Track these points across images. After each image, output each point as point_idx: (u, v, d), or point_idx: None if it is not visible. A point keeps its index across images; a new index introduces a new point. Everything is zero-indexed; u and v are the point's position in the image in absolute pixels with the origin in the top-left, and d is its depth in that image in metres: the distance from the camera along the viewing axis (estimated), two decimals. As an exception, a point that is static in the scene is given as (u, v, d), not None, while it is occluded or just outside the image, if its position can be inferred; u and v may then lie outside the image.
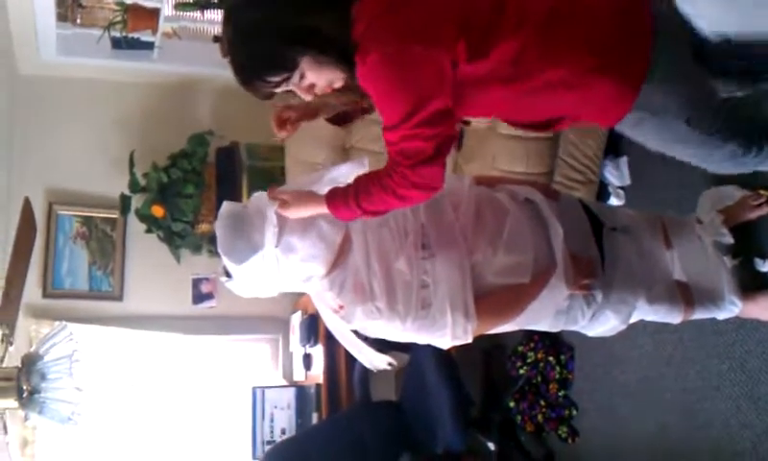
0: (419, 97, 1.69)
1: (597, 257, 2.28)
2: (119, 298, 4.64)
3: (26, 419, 3.04)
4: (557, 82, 1.81)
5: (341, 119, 2.19)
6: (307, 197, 1.99)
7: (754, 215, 2.61)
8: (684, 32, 1.90)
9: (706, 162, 2.11)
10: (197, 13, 4.33)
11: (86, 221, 4.64)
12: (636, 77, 1.80)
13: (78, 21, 4.40)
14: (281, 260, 2.01)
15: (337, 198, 1.91)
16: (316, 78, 1.83)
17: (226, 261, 2.06)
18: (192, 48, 4.58)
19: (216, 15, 4.32)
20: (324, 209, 1.93)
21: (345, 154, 3.90)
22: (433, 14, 1.70)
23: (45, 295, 4.49)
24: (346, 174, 2.07)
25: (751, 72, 2.07)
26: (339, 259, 2.05)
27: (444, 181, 1.85)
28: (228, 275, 2.11)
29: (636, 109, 1.85)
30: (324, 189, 1.98)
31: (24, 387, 2.83)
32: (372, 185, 1.84)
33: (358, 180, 1.90)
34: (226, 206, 2.09)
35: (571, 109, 1.96)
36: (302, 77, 1.82)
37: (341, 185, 1.96)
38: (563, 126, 2.04)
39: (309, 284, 2.13)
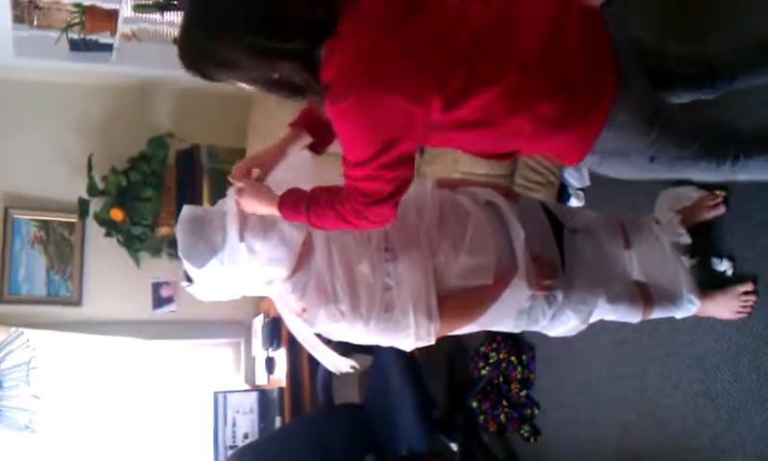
0: (386, 141, 1.67)
1: (558, 258, 2.31)
2: (78, 303, 4.58)
3: (-18, 427, 2.99)
4: (519, 131, 1.82)
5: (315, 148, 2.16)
6: (264, 195, 1.97)
7: (710, 215, 2.65)
8: (642, 64, 1.89)
9: (681, 177, 2.14)
10: (156, 15, 4.28)
11: (44, 225, 4.57)
12: (594, 128, 1.81)
13: (35, 23, 4.32)
14: (243, 260, 1.99)
15: (290, 204, 1.91)
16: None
17: (186, 265, 2.04)
18: (151, 50, 4.52)
19: (175, 17, 4.29)
20: (275, 212, 1.93)
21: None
22: (409, 70, 1.65)
23: (1, 301, 4.41)
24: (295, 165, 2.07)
25: (712, 77, 2.09)
26: (301, 262, 2.05)
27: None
28: (189, 279, 2.09)
29: (595, 152, 1.87)
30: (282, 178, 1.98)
31: (-21, 395, 2.78)
32: (327, 206, 1.84)
33: (315, 193, 1.89)
34: (186, 209, 2.07)
35: (531, 150, 2.01)
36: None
37: (296, 189, 1.95)
38: (521, 156, 2.06)
39: (271, 287, 2.12)
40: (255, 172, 2.03)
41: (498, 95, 1.74)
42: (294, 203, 1.90)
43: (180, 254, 2.02)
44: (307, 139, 2.08)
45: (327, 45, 1.66)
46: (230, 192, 2.06)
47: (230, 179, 2.03)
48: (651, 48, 1.98)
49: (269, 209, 1.96)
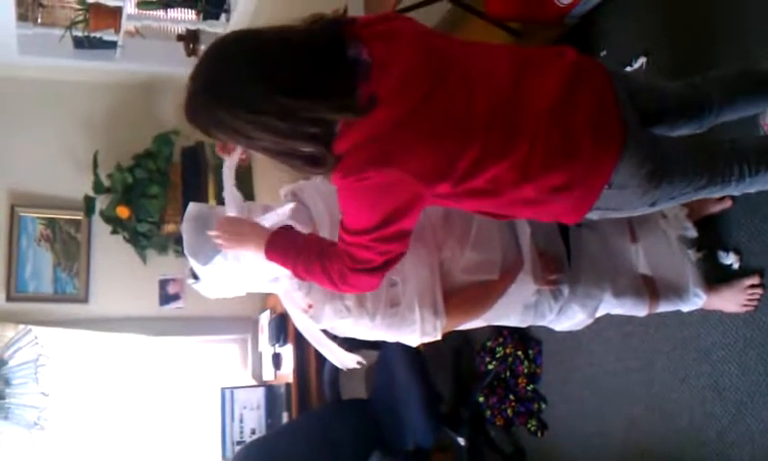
0: (387, 216, 1.67)
1: (563, 253, 2.31)
2: (84, 300, 4.59)
3: (-9, 425, 3.00)
4: (521, 199, 1.80)
5: None
6: (247, 232, 1.94)
7: (717, 209, 2.64)
8: (636, 110, 1.88)
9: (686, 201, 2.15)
10: (160, 12, 4.30)
11: (50, 223, 4.58)
12: (597, 187, 1.79)
13: (39, 21, 4.34)
14: (249, 258, 2.00)
15: (277, 248, 1.88)
16: None
17: (192, 263, 2.05)
18: (155, 47, 4.54)
19: (179, 14, 4.29)
20: (261, 253, 1.90)
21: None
22: (423, 153, 1.64)
23: (9, 298, 4.43)
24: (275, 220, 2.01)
25: (700, 113, 2.10)
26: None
27: None
28: (195, 276, 2.10)
29: (596, 208, 1.86)
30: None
31: (-12, 393, 2.79)
32: (317, 261, 1.81)
33: (307, 245, 1.86)
34: (192, 207, 2.08)
35: (529, 216, 2.00)
36: None
37: (286, 229, 1.93)
38: (514, 218, 2.06)
39: (277, 284, 2.12)
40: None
41: (509, 168, 1.72)
42: (284, 248, 1.87)
43: (185, 251, 2.02)
44: None
45: (345, 121, 1.61)
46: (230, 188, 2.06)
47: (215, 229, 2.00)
48: (642, 89, 1.98)
49: (254, 250, 1.92)
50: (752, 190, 2.07)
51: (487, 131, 1.69)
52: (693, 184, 1.92)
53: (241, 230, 1.94)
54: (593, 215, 1.91)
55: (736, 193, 2.08)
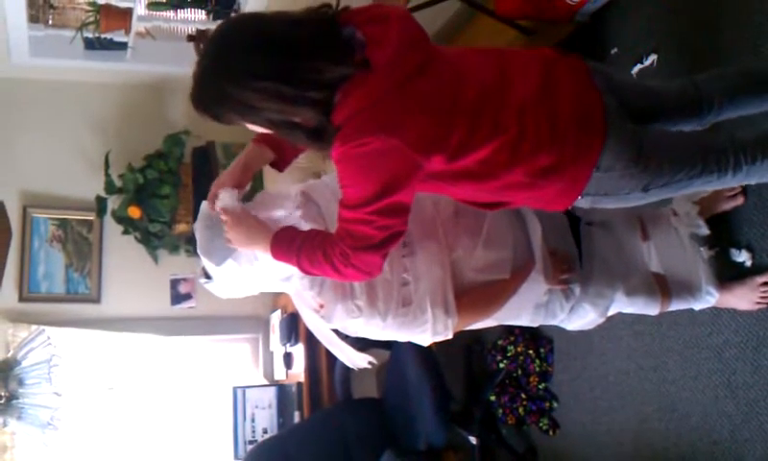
0: (385, 186, 1.69)
1: (575, 252, 2.31)
2: (97, 300, 4.61)
3: (4, 425, 3.01)
4: (515, 183, 1.84)
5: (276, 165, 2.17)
6: (256, 231, 1.95)
7: (729, 206, 2.63)
8: (625, 108, 1.91)
9: (685, 193, 2.14)
10: (170, 13, 4.30)
11: (62, 223, 4.60)
12: (585, 173, 1.84)
13: (50, 22, 4.35)
14: (261, 258, 2.00)
15: (282, 244, 1.90)
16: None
17: (205, 262, 2.05)
18: (166, 48, 4.54)
19: (190, 14, 4.30)
20: (267, 250, 1.92)
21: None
22: (417, 121, 1.70)
23: (21, 299, 4.44)
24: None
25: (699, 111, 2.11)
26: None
27: None
28: (207, 276, 2.10)
29: (586, 194, 1.89)
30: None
31: (2, 393, 2.80)
32: (319, 248, 1.83)
33: (309, 237, 1.88)
34: (204, 206, 2.08)
35: (522, 201, 2.01)
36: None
37: (292, 227, 1.94)
38: (509, 207, 2.06)
39: (289, 283, 2.12)
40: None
41: (499, 148, 1.77)
42: (287, 243, 1.89)
43: (198, 251, 2.03)
44: (270, 156, 2.08)
45: (342, 89, 1.68)
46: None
47: (210, 206, 2.03)
48: (630, 87, 2.01)
49: (261, 247, 1.94)
50: (752, 181, 2.07)
51: (475, 114, 1.76)
52: (686, 172, 1.93)
53: (251, 231, 1.95)
54: (584, 202, 1.93)
55: (734, 184, 2.08)
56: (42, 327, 4.29)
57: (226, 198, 1.98)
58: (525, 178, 1.83)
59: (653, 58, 2.97)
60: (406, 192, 1.74)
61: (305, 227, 1.99)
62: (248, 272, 2.03)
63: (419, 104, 1.70)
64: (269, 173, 4.01)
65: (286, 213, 2.02)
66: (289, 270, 2.04)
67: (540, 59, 1.90)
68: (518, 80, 1.82)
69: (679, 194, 2.07)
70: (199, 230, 2.04)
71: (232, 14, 4.29)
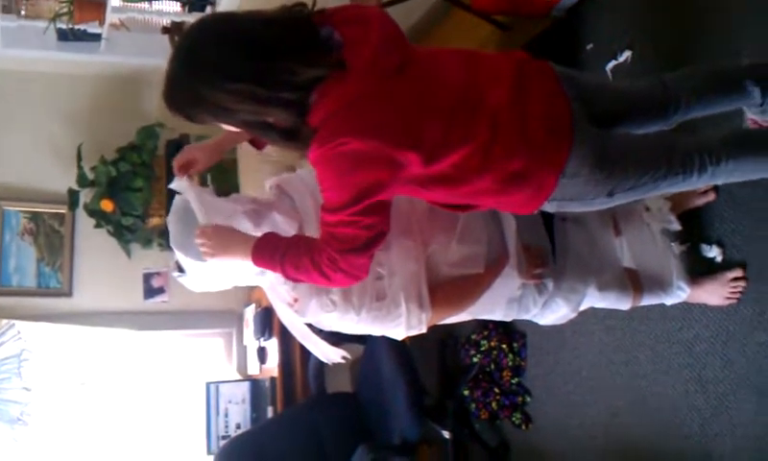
0: (365, 187, 1.69)
1: (548, 247, 2.33)
2: (68, 294, 4.56)
3: (-27, 420, 2.98)
4: (485, 189, 1.86)
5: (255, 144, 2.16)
6: (232, 240, 1.95)
7: (700, 202, 2.66)
8: (588, 111, 1.93)
9: (652, 196, 2.16)
10: (145, 4, 4.26)
11: (34, 217, 4.54)
12: (551, 179, 1.84)
13: (23, 13, 4.29)
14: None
15: (264, 252, 1.88)
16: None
17: (178, 256, 2.04)
18: (140, 39, 4.50)
19: (165, 6, 4.26)
20: (248, 258, 1.90)
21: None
22: (393, 121, 1.70)
23: (-8, 293, 4.40)
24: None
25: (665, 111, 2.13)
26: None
27: None
28: (180, 269, 2.09)
29: (552, 199, 1.90)
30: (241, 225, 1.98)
31: (-29, 388, 2.77)
32: (305, 254, 1.82)
33: (294, 241, 1.88)
34: (178, 200, 2.07)
35: (490, 205, 2.02)
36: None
37: (273, 234, 1.93)
38: (478, 210, 2.07)
39: (263, 277, 2.12)
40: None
41: (472, 152, 1.78)
42: (270, 251, 1.88)
43: (172, 244, 2.02)
44: (246, 134, 2.07)
45: (318, 90, 1.67)
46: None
47: (175, 185, 2.04)
48: (595, 91, 2.01)
49: (241, 257, 1.93)
50: (718, 182, 2.10)
51: (450, 116, 1.76)
52: (650, 175, 1.95)
53: (227, 241, 1.95)
54: (551, 207, 1.95)
55: (700, 186, 2.10)
56: (13, 322, 4.25)
57: (182, 185, 2.00)
58: (495, 184, 1.83)
59: (627, 54, 2.99)
60: (385, 192, 1.74)
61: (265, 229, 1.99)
62: (222, 265, 2.02)
63: (395, 103, 1.71)
64: (244, 165, 4.00)
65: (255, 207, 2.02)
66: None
67: (512, 63, 1.90)
68: (491, 84, 1.83)
69: (644, 197, 2.09)
70: (172, 223, 2.03)
71: (207, 9, 4.27)
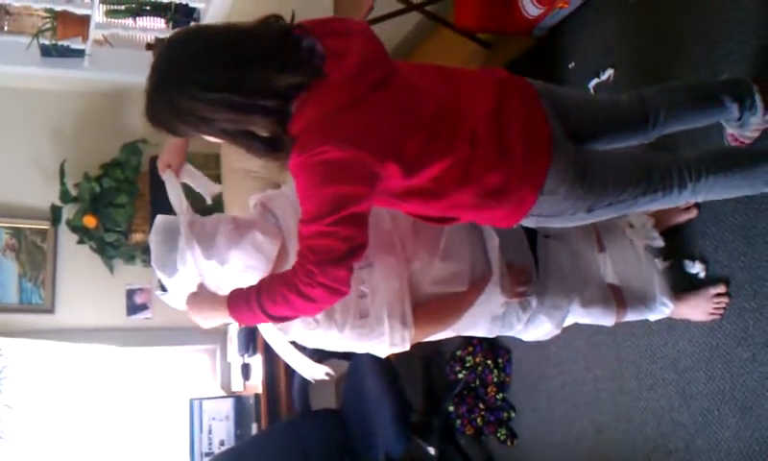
0: (343, 196, 1.67)
1: (532, 264, 2.33)
2: (51, 310, 4.52)
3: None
4: (462, 204, 1.87)
5: None
6: (209, 305, 1.95)
7: (682, 219, 2.67)
8: (566, 127, 1.94)
9: (632, 212, 2.17)
10: (129, 21, 4.26)
11: (16, 232, 4.51)
12: (530, 196, 1.86)
13: (5, 28, 4.29)
14: (216, 271, 1.98)
15: (240, 303, 1.85)
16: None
17: (159, 275, 2.03)
18: (124, 55, 4.50)
19: (148, 23, 4.26)
20: (227, 316, 1.88)
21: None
22: (373, 131, 1.70)
23: (-27, 309, 4.36)
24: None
25: (644, 126, 2.14)
26: (275, 270, 2.04)
27: None
28: (163, 288, 2.08)
29: (531, 215, 1.92)
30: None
31: (-49, 406, 2.74)
32: (277, 284, 1.78)
33: (262, 283, 1.84)
34: (159, 219, 2.06)
35: (467, 220, 2.03)
36: None
37: (240, 287, 1.89)
38: (458, 223, 2.08)
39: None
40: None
41: (451, 166, 1.78)
42: (243, 301, 1.84)
43: (153, 263, 2.01)
44: None
45: (299, 99, 1.68)
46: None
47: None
48: (573, 108, 2.03)
49: (219, 318, 1.93)
50: (698, 199, 2.12)
51: (433, 130, 1.77)
52: (629, 192, 1.96)
53: (202, 308, 1.96)
54: (530, 222, 1.96)
55: (681, 202, 2.12)
56: (-6, 338, 4.21)
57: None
58: (474, 198, 1.84)
59: (610, 72, 3.01)
60: (363, 204, 1.72)
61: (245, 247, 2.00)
62: (204, 283, 2.01)
63: (376, 115, 1.71)
64: (228, 182, 3.99)
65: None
66: (247, 281, 2.02)
67: (493, 81, 1.91)
68: (472, 101, 1.84)
69: (624, 213, 2.10)
70: (153, 242, 2.02)
71: (191, 23, 4.27)
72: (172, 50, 1.70)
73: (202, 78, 1.63)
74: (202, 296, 1.98)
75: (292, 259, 2.03)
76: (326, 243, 1.70)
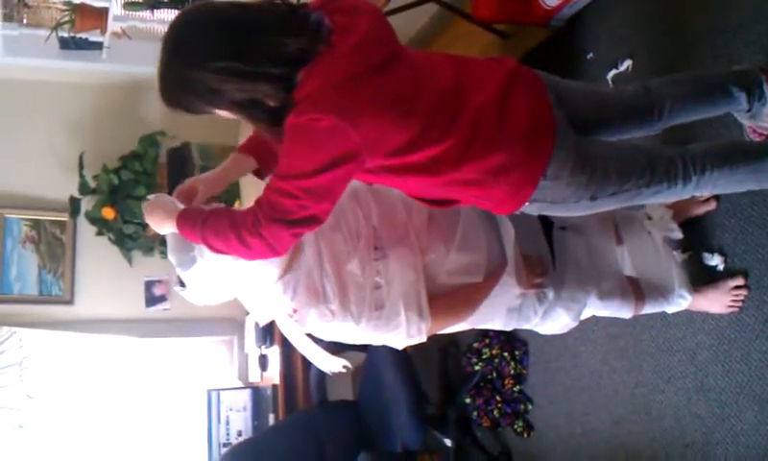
0: (323, 165, 1.69)
1: (548, 256, 2.32)
2: (70, 302, 4.56)
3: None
4: (461, 180, 1.87)
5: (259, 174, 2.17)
6: (165, 213, 1.96)
7: (701, 211, 2.66)
8: (571, 118, 1.94)
9: (635, 204, 2.16)
10: (146, 13, 4.26)
11: (35, 224, 4.54)
12: (532, 180, 1.87)
13: (24, 21, 4.30)
14: (232, 265, 1.99)
15: (188, 221, 1.88)
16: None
17: (177, 269, 2.04)
18: (142, 48, 4.50)
19: (166, 15, 4.27)
20: (174, 227, 1.91)
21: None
22: (368, 115, 1.71)
23: (-6, 300, 4.39)
24: None
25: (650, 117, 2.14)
26: (291, 263, 2.04)
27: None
28: (181, 284, 2.09)
29: (534, 201, 1.92)
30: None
31: (-28, 396, 2.76)
32: (225, 219, 1.80)
33: (214, 212, 1.87)
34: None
35: (469, 200, 2.02)
36: None
37: (198, 207, 1.94)
38: (458, 206, 2.08)
39: (263, 289, 2.11)
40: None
41: (449, 147, 1.80)
42: (192, 219, 1.87)
43: (169, 257, 2.02)
44: (252, 164, 2.09)
45: (305, 70, 1.70)
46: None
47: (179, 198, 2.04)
48: (579, 99, 2.03)
49: (168, 227, 1.94)
50: (703, 192, 2.11)
51: (431, 118, 1.78)
52: (633, 182, 1.96)
53: (160, 215, 1.96)
54: (532, 209, 1.97)
55: (685, 195, 2.11)
56: (14, 329, 4.25)
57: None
58: (475, 174, 1.85)
59: (628, 63, 2.99)
60: (341, 179, 1.74)
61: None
62: (217, 274, 2.01)
63: (376, 97, 1.72)
64: (246, 181, 4.00)
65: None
66: (264, 274, 2.03)
67: (501, 71, 1.91)
68: (478, 88, 1.85)
69: (628, 204, 2.09)
70: (169, 236, 2.03)
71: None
72: (180, 27, 1.74)
73: (210, 49, 1.67)
74: (160, 203, 1.99)
75: (306, 251, 2.05)
76: (286, 203, 1.72)
